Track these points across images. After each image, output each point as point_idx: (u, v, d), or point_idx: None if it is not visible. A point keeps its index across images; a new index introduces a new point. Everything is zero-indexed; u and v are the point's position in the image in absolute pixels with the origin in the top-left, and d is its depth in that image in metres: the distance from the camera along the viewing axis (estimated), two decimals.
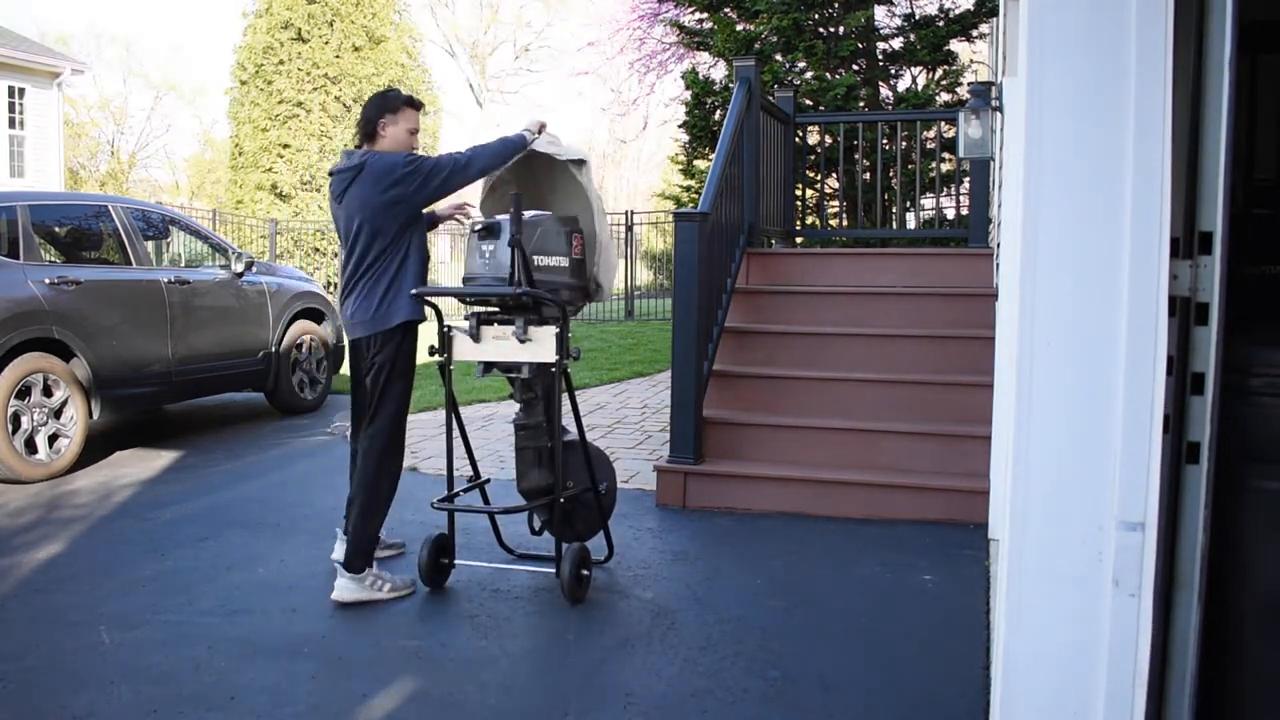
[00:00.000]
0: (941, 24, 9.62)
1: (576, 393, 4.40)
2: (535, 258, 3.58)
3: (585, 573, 3.69)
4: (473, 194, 4.22)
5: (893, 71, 10.14)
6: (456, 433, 3.82)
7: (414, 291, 3.69)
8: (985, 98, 4.89)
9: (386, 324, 3.68)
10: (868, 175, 7.72)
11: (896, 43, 10.15)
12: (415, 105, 3.85)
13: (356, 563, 3.66)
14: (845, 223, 8.36)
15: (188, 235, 7.30)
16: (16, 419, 5.38)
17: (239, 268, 6.91)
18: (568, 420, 3.88)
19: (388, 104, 3.77)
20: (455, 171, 3.69)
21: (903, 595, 3.73)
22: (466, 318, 3.71)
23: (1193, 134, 1.80)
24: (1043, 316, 1.74)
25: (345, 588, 3.65)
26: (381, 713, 2.81)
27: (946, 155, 9.02)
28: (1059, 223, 1.72)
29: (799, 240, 7.90)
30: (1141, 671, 1.71)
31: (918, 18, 9.90)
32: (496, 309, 3.72)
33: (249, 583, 3.86)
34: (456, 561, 3.86)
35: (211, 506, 4.97)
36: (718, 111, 9.85)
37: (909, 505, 4.69)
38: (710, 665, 3.10)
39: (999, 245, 4.39)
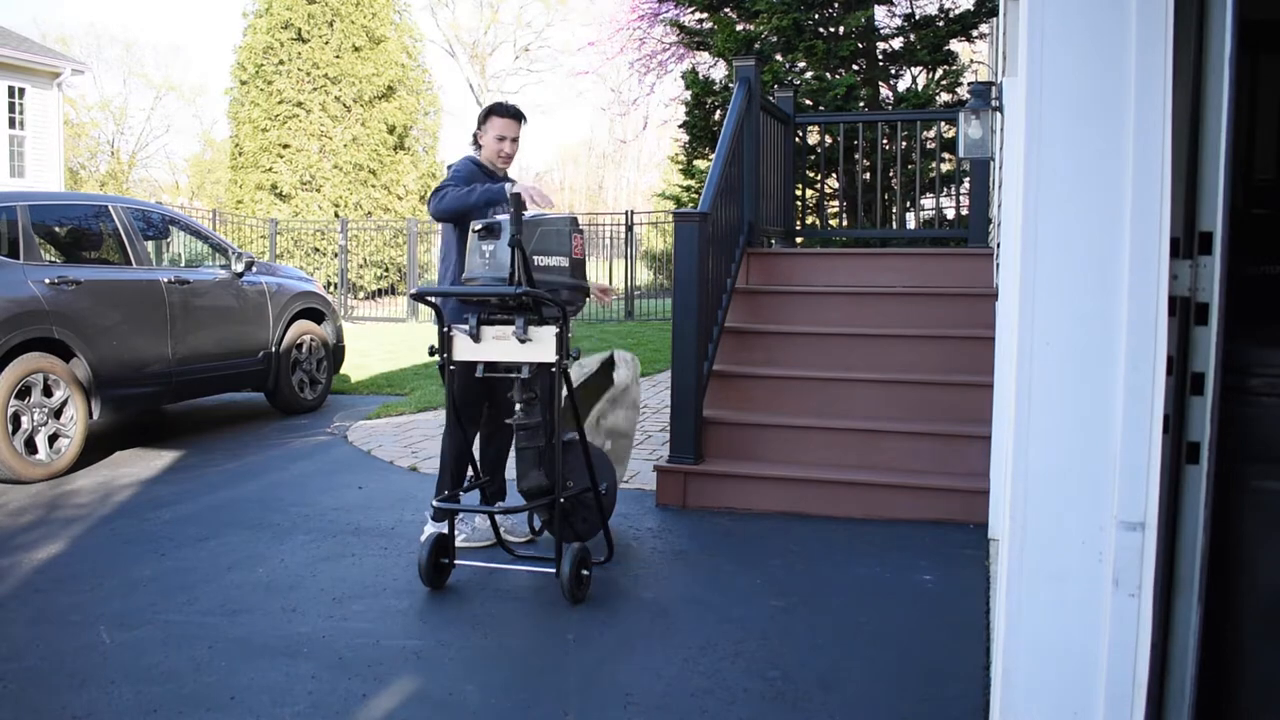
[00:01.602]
0: (941, 24, 9.63)
1: None
2: (535, 258, 3.58)
3: (585, 573, 3.69)
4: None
5: (893, 71, 10.14)
6: None
7: (413, 292, 3.70)
8: (985, 98, 4.89)
9: None
10: (868, 175, 7.72)
11: (896, 43, 10.15)
12: (501, 112, 4.22)
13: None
14: (845, 223, 8.36)
15: (188, 235, 7.29)
16: (16, 419, 5.38)
17: (239, 268, 6.91)
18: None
19: (479, 118, 4.27)
20: (436, 197, 4.06)
21: (903, 595, 3.73)
22: (466, 317, 3.72)
23: (1193, 134, 1.80)
24: (1043, 316, 1.74)
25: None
26: (381, 713, 2.81)
27: (946, 155, 9.03)
28: (1059, 223, 1.73)
29: (799, 240, 7.89)
30: (1141, 671, 1.71)
31: (918, 18, 9.90)
32: (497, 308, 3.72)
33: (249, 583, 3.86)
34: (456, 561, 3.86)
35: (211, 506, 4.97)
36: (718, 111, 9.86)
37: (909, 505, 4.68)
38: (710, 665, 3.10)
39: (999, 245, 4.39)
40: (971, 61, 12.16)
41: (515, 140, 4.22)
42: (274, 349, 7.21)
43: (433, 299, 3.81)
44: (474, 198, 3.98)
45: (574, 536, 3.86)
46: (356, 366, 9.76)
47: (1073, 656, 1.75)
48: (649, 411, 7.13)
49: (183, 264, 7.23)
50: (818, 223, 9.31)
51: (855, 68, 9.78)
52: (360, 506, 4.95)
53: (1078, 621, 1.75)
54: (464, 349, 3.71)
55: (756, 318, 5.96)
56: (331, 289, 17.03)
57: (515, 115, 4.26)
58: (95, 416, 5.78)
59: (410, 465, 5.77)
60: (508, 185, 4.02)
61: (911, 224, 9.43)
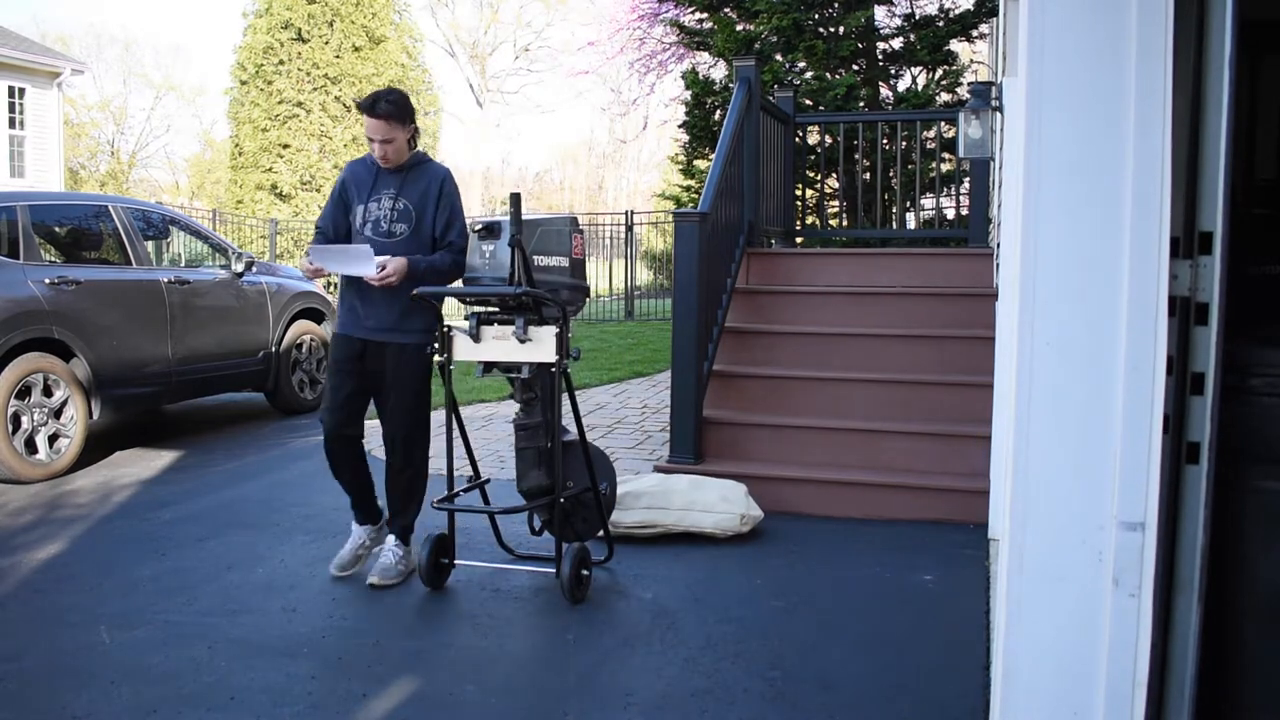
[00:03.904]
0: (941, 24, 9.62)
1: (576, 393, 4.40)
2: (535, 257, 3.58)
3: (585, 573, 3.69)
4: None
5: (893, 71, 10.14)
6: (456, 433, 3.82)
7: (415, 292, 3.68)
8: (985, 98, 4.89)
9: None
10: (868, 175, 7.72)
11: (896, 43, 10.15)
12: (362, 109, 3.72)
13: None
14: (845, 223, 8.36)
15: (188, 235, 7.29)
16: (16, 419, 5.37)
17: (239, 268, 6.91)
18: (568, 420, 3.88)
19: None
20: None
21: (903, 595, 3.73)
22: (467, 317, 3.71)
23: (1193, 134, 1.80)
24: (1043, 316, 1.74)
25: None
26: (381, 713, 2.81)
27: (946, 155, 9.03)
28: (1059, 222, 1.73)
29: (799, 240, 7.90)
30: (1141, 671, 1.71)
31: (918, 18, 9.90)
32: (496, 309, 3.72)
33: (249, 583, 3.86)
34: (456, 561, 3.86)
35: (211, 506, 4.97)
36: (718, 111, 9.86)
37: (909, 505, 4.68)
38: (710, 665, 3.10)
39: (999, 245, 4.39)
40: (971, 61, 12.15)
41: (386, 141, 3.68)
42: (274, 349, 7.21)
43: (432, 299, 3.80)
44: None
45: (574, 536, 3.86)
46: None
47: (1073, 656, 1.75)
48: (649, 411, 7.13)
49: (183, 264, 7.23)
50: (818, 223, 9.31)
51: (855, 68, 9.77)
52: None
53: (1078, 621, 1.75)
54: (464, 349, 3.71)
55: (756, 318, 5.96)
56: (331, 289, 17.03)
57: (375, 113, 3.64)
58: (95, 416, 5.78)
59: None
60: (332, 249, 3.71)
61: (911, 224, 9.43)
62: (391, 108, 3.66)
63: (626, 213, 15.35)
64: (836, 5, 9.69)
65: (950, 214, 8.50)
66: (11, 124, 16.65)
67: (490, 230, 3.63)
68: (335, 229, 3.89)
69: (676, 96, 15.16)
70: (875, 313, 5.75)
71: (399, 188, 3.78)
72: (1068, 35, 1.69)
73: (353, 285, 3.80)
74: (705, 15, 10.61)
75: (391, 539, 3.96)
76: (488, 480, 4.15)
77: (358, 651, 3.21)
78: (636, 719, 2.77)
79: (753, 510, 4.40)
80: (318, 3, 19.54)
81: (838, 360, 5.49)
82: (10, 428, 5.32)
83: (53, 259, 6.21)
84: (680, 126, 10.54)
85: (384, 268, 3.61)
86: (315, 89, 19.51)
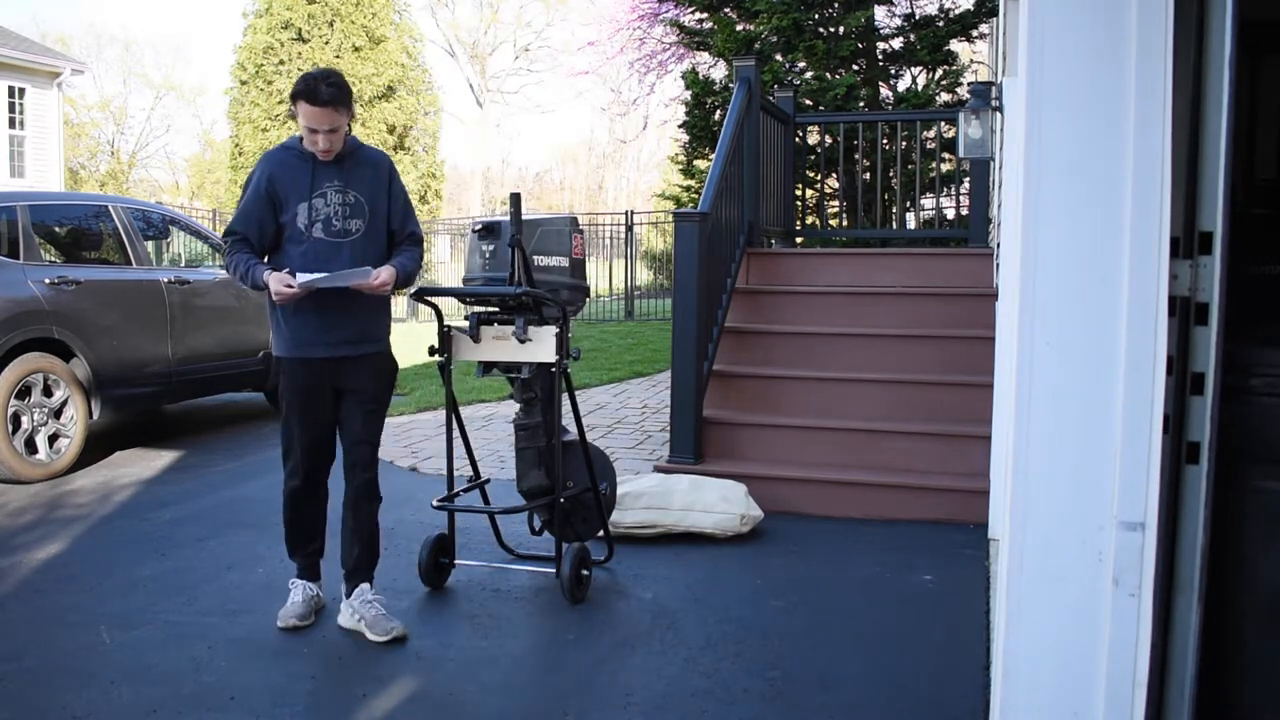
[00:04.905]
0: (941, 24, 9.62)
1: (576, 393, 4.40)
2: (535, 257, 3.58)
3: (585, 573, 3.69)
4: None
5: (893, 71, 10.14)
6: (456, 433, 3.82)
7: (412, 292, 3.68)
8: (985, 98, 4.89)
9: None
10: (868, 175, 7.72)
11: (896, 43, 10.15)
12: (304, 96, 3.22)
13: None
14: (845, 223, 8.36)
15: (188, 235, 7.29)
16: (16, 419, 5.37)
17: None
18: (568, 420, 3.88)
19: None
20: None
21: (902, 595, 3.73)
22: (466, 317, 3.71)
23: (1193, 134, 1.80)
24: (1043, 316, 1.74)
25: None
26: (381, 713, 2.81)
27: (946, 155, 9.03)
28: (1059, 222, 1.73)
29: (799, 240, 7.90)
30: (1141, 671, 1.71)
31: (918, 18, 9.90)
32: (496, 309, 3.72)
33: (249, 583, 3.86)
34: (456, 561, 3.86)
35: (212, 506, 4.97)
36: (718, 111, 9.86)
37: (909, 505, 4.68)
38: (710, 665, 3.10)
39: (999, 245, 4.39)
40: (971, 61, 12.15)
41: (332, 131, 3.23)
42: None
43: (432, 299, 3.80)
44: (235, 274, 3.35)
45: (574, 536, 3.86)
46: None
47: (1073, 656, 1.75)
48: (649, 411, 7.13)
49: (183, 264, 7.23)
50: (818, 223, 9.31)
51: (855, 68, 9.77)
52: None
53: (1078, 621, 1.75)
54: (464, 349, 3.71)
55: (756, 318, 5.96)
56: None
57: (318, 100, 3.18)
58: (95, 416, 5.78)
59: (410, 465, 5.77)
60: (275, 276, 3.19)
61: (911, 224, 9.43)
62: (335, 91, 3.20)
63: (626, 213, 15.35)
64: (836, 5, 9.69)
65: (950, 214, 8.50)
66: (11, 124, 16.65)
67: (490, 230, 3.63)
68: (262, 233, 3.33)
69: (676, 96, 15.16)
70: (875, 313, 5.75)
71: (344, 179, 3.34)
72: (1068, 35, 1.69)
73: (307, 299, 3.26)
74: (705, 15, 10.61)
75: (367, 589, 3.42)
76: (488, 480, 4.14)
77: (358, 651, 3.21)
78: (636, 719, 2.77)
79: (753, 510, 4.40)
80: (318, 3, 19.53)
81: (838, 360, 5.49)
82: (10, 428, 5.31)
83: (53, 259, 6.21)
84: (680, 126, 10.54)
85: (378, 276, 3.27)
86: None
